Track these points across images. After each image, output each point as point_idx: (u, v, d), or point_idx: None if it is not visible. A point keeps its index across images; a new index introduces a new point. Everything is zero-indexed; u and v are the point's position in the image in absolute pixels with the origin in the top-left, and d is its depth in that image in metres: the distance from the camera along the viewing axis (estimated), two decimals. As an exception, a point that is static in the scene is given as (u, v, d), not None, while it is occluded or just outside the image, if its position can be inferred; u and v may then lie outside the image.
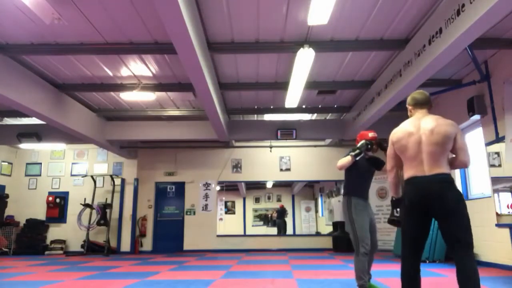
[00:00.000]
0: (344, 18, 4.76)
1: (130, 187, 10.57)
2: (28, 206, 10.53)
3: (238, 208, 17.37)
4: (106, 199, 10.30)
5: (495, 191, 5.71)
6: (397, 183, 2.69)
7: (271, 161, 10.75)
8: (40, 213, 10.43)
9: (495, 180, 5.71)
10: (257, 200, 17.51)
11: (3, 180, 10.44)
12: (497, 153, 5.67)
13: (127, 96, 7.14)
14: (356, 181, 3.84)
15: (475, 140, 6.65)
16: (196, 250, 10.12)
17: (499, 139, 5.61)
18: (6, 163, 10.62)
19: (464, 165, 2.56)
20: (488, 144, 5.90)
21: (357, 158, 3.67)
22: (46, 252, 10.03)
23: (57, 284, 4.69)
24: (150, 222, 10.51)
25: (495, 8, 3.41)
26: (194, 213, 10.56)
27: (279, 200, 16.99)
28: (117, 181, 10.41)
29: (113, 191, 10.28)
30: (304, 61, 5.43)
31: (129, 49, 5.45)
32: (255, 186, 16.50)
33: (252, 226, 16.94)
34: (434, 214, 2.43)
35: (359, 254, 3.61)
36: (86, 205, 9.85)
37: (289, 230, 15.37)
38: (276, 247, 10.36)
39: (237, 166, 10.81)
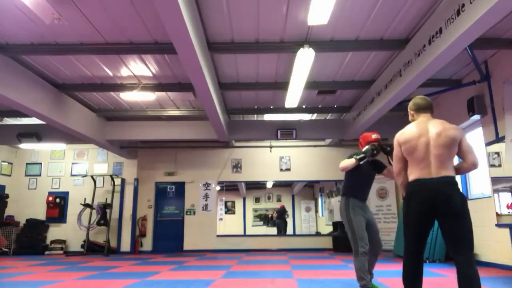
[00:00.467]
0: (344, 18, 4.76)
1: (130, 187, 10.57)
2: (28, 206, 10.53)
3: (238, 208, 17.37)
4: (106, 199, 10.30)
5: (495, 191, 5.71)
6: (406, 183, 2.69)
7: (271, 161, 10.75)
8: (40, 213, 10.43)
9: (495, 180, 5.71)
10: (257, 200, 17.51)
11: (3, 180, 10.44)
12: (497, 153, 5.67)
13: (127, 96, 7.14)
14: (356, 183, 3.86)
15: (475, 140, 6.65)
16: (196, 250, 10.12)
17: (499, 139, 5.61)
18: (6, 163, 10.62)
19: (473, 166, 2.57)
20: (488, 144, 5.89)
21: (361, 163, 3.69)
22: (46, 252, 10.03)
23: (57, 284, 4.69)
24: (150, 222, 10.51)
25: (495, 8, 3.41)
26: (194, 213, 10.56)
27: (279, 200, 16.98)
28: (117, 181, 10.41)
29: (113, 191, 10.28)
30: (304, 61, 5.43)
31: (129, 49, 5.45)
32: (255, 186, 16.49)
33: (252, 226, 16.93)
34: (439, 215, 2.45)
35: (358, 254, 3.62)
36: (86, 205, 9.85)
37: (289, 230, 15.37)
38: (276, 247, 10.36)
39: (237, 166, 10.81)
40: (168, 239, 10.40)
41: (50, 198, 10.26)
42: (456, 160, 2.68)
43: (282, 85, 6.86)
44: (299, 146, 10.69)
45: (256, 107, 8.40)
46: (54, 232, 10.41)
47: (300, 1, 4.38)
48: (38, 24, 4.80)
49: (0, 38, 5.21)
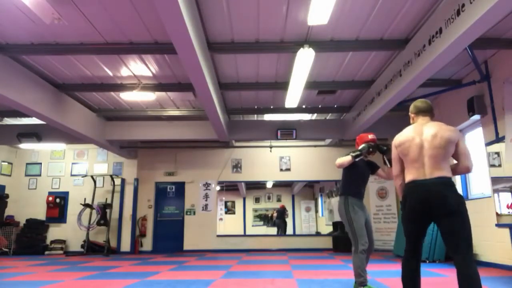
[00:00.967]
0: (344, 18, 4.76)
1: (130, 187, 10.57)
2: (28, 206, 10.54)
3: (238, 208, 17.37)
4: (106, 199, 10.30)
5: (495, 191, 5.71)
6: (402, 185, 2.72)
7: (271, 161, 10.75)
8: (40, 213, 10.43)
9: (495, 180, 5.71)
10: (257, 200, 17.51)
11: (3, 180, 10.44)
12: (497, 153, 5.67)
13: (127, 96, 7.14)
14: (354, 182, 3.94)
15: (475, 140, 6.65)
16: (196, 250, 10.12)
17: (499, 139, 5.61)
18: (6, 163, 10.62)
19: (466, 170, 2.59)
20: (488, 144, 5.89)
21: (357, 159, 3.80)
22: (46, 252, 10.03)
23: (57, 284, 4.69)
24: (150, 222, 10.51)
25: (495, 8, 3.41)
26: (194, 213, 10.56)
27: (279, 200, 16.98)
28: (117, 181, 10.41)
29: (113, 191, 10.28)
30: (304, 61, 5.43)
31: (129, 49, 5.45)
32: (255, 186, 16.49)
33: (252, 226, 16.93)
34: (435, 216, 2.47)
35: (358, 251, 3.68)
36: (86, 205, 9.85)
37: (289, 230, 15.37)
38: (276, 247, 10.35)
39: (237, 166, 10.81)
40: (168, 239, 10.40)
41: (50, 198, 10.26)
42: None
43: (282, 85, 6.86)
44: (299, 146, 10.70)
45: (256, 107, 8.40)
46: (54, 232, 10.41)
47: (300, 1, 4.38)
48: (38, 24, 4.80)
49: (0, 38, 5.21)
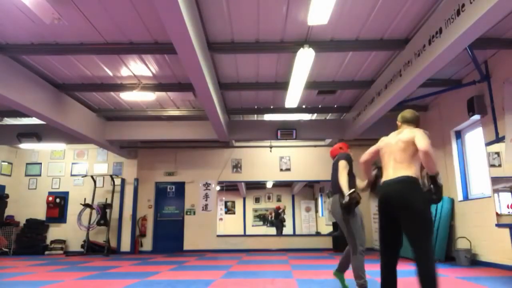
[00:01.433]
0: (344, 18, 4.76)
1: (130, 187, 10.57)
2: (28, 206, 10.53)
3: (238, 208, 17.36)
4: (106, 199, 10.30)
5: (495, 191, 5.71)
6: (365, 172, 3.12)
7: (271, 161, 10.75)
8: (40, 213, 10.43)
9: (495, 180, 5.71)
10: (257, 200, 17.50)
11: (3, 180, 10.44)
12: (497, 153, 5.67)
13: (127, 96, 7.14)
14: (350, 181, 3.77)
15: (475, 140, 6.65)
16: (196, 250, 10.12)
17: (499, 139, 5.61)
18: (6, 163, 10.62)
19: (422, 152, 2.57)
20: (488, 144, 5.89)
21: (343, 202, 3.60)
22: (46, 252, 10.03)
23: (57, 284, 4.69)
24: (150, 222, 10.51)
25: (495, 8, 3.41)
26: (194, 213, 10.56)
27: (279, 200, 16.98)
28: (117, 181, 10.41)
29: (113, 191, 10.28)
30: (304, 61, 5.43)
31: (129, 49, 5.45)
32: (255, 186, 16.48)
33: (252, 226, 16.93)
34: (396, 214, 2.64)
35: (357, 252, 3.62)
36: (86, 205, 9.85)
37: (289, 230, 15.36)
38: (276, 247, 10.35)
39: (237, 166, 10.81)
40: (168, 239, 10.40)
41: (50, 198, 10.26)
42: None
43: (282, 85, 6.86)
44: (299, 146, 10.69)
45: (256, 107, 8.40)
46: (54, 232, 10.41)
47: (300, 1, 4.38)
48: (38, 24, 4.80)
49: (0, 38, 5.21)
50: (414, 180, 2.64)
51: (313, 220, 16.54)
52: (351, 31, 5.11)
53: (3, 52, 5.44)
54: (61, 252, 10.09)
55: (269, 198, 17.20)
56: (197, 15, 4.49)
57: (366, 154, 3.02)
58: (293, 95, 6.80)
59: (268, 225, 16.34)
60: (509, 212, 5.45)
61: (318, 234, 14.32)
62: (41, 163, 10.94)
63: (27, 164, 10.96)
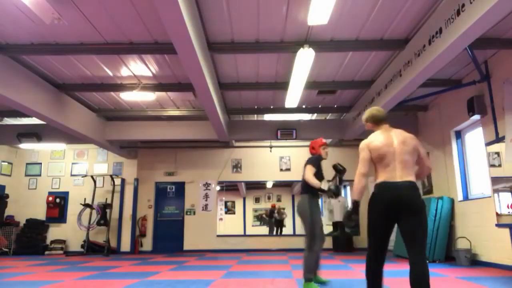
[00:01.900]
0: (344, 18, 4.76)
1: (130, 187, 10.57)
2: (28, 206, 10.53)
3: (238, 208, 17.37)
4: (106, 199, 10.30)
5: (495, 191, 5.71)
6: (364, 187, 2.88)
7: (271, 161, 10.75)
8: (40, 213, 10.43)
9: (495, 180, 5.71)
10: (257, 200, 17.51)
11: (3, 180, 10.44)
12: (497, 153, 5.67)
13: (127, 96, 7.14)
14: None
15: (475, 140, 6.65)
16: (196, 250, 10.12)
17: (499, 139, 5.61)
18: (6, 163, 10.62)
19: (429, 170, 2.93)
20: (488, 144, 5.89)
21: (319, 192, 4.12)
22: (46, 252, 10.03)
23: (57, 284, 4.69)
24: (150, 222, 10.50)
25: (495, 8, 3.41)
26: (194, 213, 10.56)
27: (279, 200, 16.99)
28: (117, 181, 10.41)
29: (113, 191, 10.28)
30: (304, 61, 5.43)
31: (129, 49, 5.45)
32: (255, 186, 16.49)
33: (252, 226, 16.93)
34: (402, 215, 2.70)
35: (312, 249, 3.96)
36: (86, 205, 9.85)
37: (289, 230, 15.35)
38: (276, 247, 10.35)
39: (237, 166, 10.81)
40: (168, 239, 10.40)
41: (50, 198, 10.26)
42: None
43: (282, 85, 6.86)
44: (299, 146, 10.68)
45: (256, 107, 8.40)
46: (54, 232, 10.41)
47: (300, 1, 4.38)
48: (38, 24, 4.80)
49: (0, 38, 5.21)
50: (418, 187, 2.79)
51: (313, 220, 16.50)
52: (351, 31, 5.11)
53: (3, 52, 5.44)
54: (61, 252, 10.09)
55: (269, 198, 17.21)
56: (197, 15, 4.49)
57: (366, 166, 2.85)
58: (293, 95, 6.80)
59: (262, 223, 16.32)
60: (509, 212, 5.45)
61: (318, 234, 14.30)
62: (41, 163, 10.94)
63: (27, 164, 10.96)
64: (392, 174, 2.74)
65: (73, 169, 10.85)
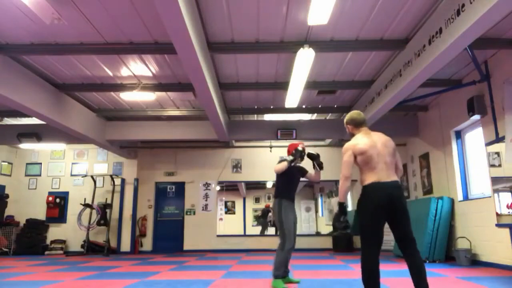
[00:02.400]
0: (344, 18, 4.76)
1: (130, 187, 10.57)
2: (28, 206, 10.54)
3: (238, 208, 17.38)
4: (106, 199, 10.30)
5: (495, 191, 5.71)
6: (348, 189, 3.05)
7: (271, 161, 10.71)
8: (40, 213, 10.43)
9: (495, 180, 5.71)
10: (257, 200, 17.51)
11: (3, 180, 10.44)
12: (497, 153, 5.67)
13: (127, 96, 7.13)
14: (286, 185, 4.45)
15: (475, 140, 6.65)
16: (196, 250, 10.12)
17: (499, 139, 5.61)
18: (6, 163, 10.62)
19: (401, 173, 3.11)
20: (488, 144, 5.89)
21: (292, 164, 4.28)
22: (46, 252, 10.03)
23: (57, 284, 4.69)
24: (150, 222, 10.51)
25: (495, 8, 3.41)
26: (194, 213, 10.56)
27: (279, 200, 16.95)
28: (117, 181, 10.41)
29: (113, 191, 10.28)
30: (304, 61, 5.43)
31: (129, 49, 5.45)
32: (255, 186, 16.50)
33: (252, 226, 16.94)
34: (393, 214, 2.85)
35: (284, 249, 4.30)
36: (86, 205, 9.85)
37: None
38: (276, 247, 10.32)
39: (237, 166, 10.82)
40: (168, 239, 10.40)
41: (50, 198, 10.26)
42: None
43: (282, 85, 6.86)
44: (299, 146, 10.68)
45: (256, 107, 8.40)
46: (54, 232, 10.41)
47: (300, 1, 4.38)
48: (38, 24, 4.80)
49: (0, 38, 5.21)
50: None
51: (313, 220, 16.55)
52: (351, 31, 5.11)
53: (3, 52, 5.43)
54: (61, 252, 10.09)
55: (269, 198, 17.21)
56: (197, 15, 4.49)
57: (349, 169, 2.94)
58: (293, 95, 6.80)
59: (257, 224, 16.31)
60: (509, 212, 5.45)
61: (318, 234, 14.32)
62: (41, 163, 10.94)
63: (27, 164, 10.96)
64: (380, 175, 2.87)
65: (73, 169, 10.85)
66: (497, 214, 5.66)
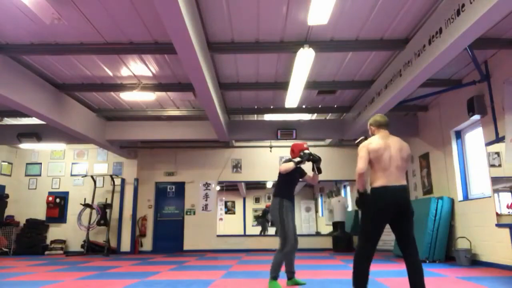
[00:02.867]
0: (344, 18, 4.76)
1: (130, 187, 10.57)
2: (28, 206, 10.54)
3: (238, 208, 17.38)
4: (106, 199, 10.30)
5: (495, 191, 5.71)
6: (366, 180, 3.10)
7: (271, 161, 10.74)
8: (40, 213, 10.43)
9: (495, 180, 5.71)
10: (257, 200, 17.52)
11: (3, 180, 10.44)
12: (497, 153, 5.66)
13: (127, 96, 7.14)
14: (288, 185, 4.46)
15: (475, 140, 6.65)
16: (196, 250, 10.12)
17: (499, 139, 5.61)
18: (6, 163, 10.62)
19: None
20: (488, 144, 5.89)
21: (298, 165, 4.25)
22: (46, 252, 10.03)
23: (57, 284, 4.69)
24: (150, 222, 10.51)
25: (495, 8, 3.41)
26: (194, 213, 10.56)
27: (279, 200, 16.96)
28: (117, 181, 10.41)
29: (113, 191, 10.28)
30: (304, 61, 5.43)
31: (129, 49, 5.45)
32: (255, 186, 16.50)
33: (252, 226, 16.94)
34: (398, 216, 2.97)
35: (284, 251, 4.21)
36: (86, 205, 9.85)
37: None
38: (276, 247, 10.31)
39: (237, 166, 10.81)
40: (168, 239, 10.40)
41: (50, 198, 10.26)
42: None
43: (282, 85, 6.86)
44: (299, 146, 10.68)
45: (256, 107, 8.40)
46: (54, 232, 10.41)
47: (300, 1, 4.38)
48: (38, 24, 4.80)
49: (0, 38, 5.21)
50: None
51: (313, 220, 16.55)
52: (351, 31, 5.11)
53: (3, 52, 5.43)
54: (61, 252, 10.09)
55: (269, 198, 17.20)
56: (197, 15, 4.49)
57: (365, 163, 3.03)
58: (293, 95, 6.80)
59: (255, 224, 16.30)
60: (509, 212, 5.45)
61: (318, 234, 14.32)
62: (41, 163, 10.94)
63: (27, 164, 10.96)
64: (390, 178, 2.96)
65: (73, 169, 10.85)
66: (497, 214, 5.66)
